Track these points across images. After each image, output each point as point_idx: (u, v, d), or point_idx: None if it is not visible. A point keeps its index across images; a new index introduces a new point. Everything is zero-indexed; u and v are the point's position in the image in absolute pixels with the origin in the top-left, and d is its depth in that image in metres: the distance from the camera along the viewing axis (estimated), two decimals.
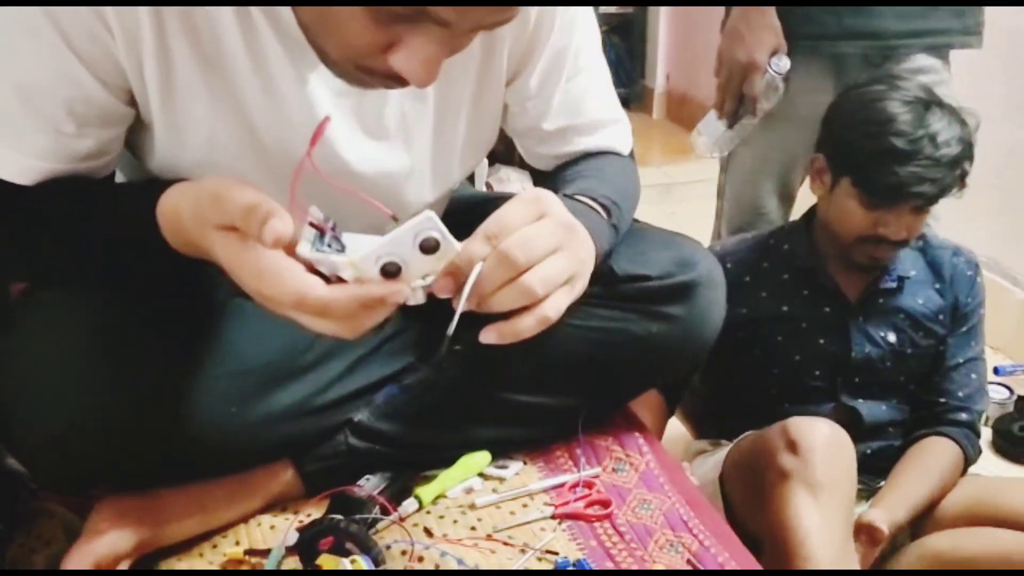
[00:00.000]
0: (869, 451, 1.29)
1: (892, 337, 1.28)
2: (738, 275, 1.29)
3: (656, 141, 3.38)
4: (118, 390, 0.70)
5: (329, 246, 0.61)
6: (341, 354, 0.86)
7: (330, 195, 0.63)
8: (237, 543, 0.82)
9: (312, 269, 0.60)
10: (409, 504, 0.85)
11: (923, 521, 1.23)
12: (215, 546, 0.82)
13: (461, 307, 0.63)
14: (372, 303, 0.59)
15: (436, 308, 0.96)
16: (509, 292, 0.64)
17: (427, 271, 0.62)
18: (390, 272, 0.60)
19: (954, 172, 1.18)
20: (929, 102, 1.19)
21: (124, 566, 0.76)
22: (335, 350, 0.85)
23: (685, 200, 2.74)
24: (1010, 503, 1.18)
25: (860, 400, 1.29)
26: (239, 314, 0.79)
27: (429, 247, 0.60)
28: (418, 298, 0.64)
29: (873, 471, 1.27)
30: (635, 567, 0.79)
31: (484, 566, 0.78)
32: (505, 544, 0.82)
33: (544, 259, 0.65)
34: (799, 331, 1.29)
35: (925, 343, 1.30)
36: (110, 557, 0.74)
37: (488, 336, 0.68)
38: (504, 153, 2.80)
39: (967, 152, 1.19)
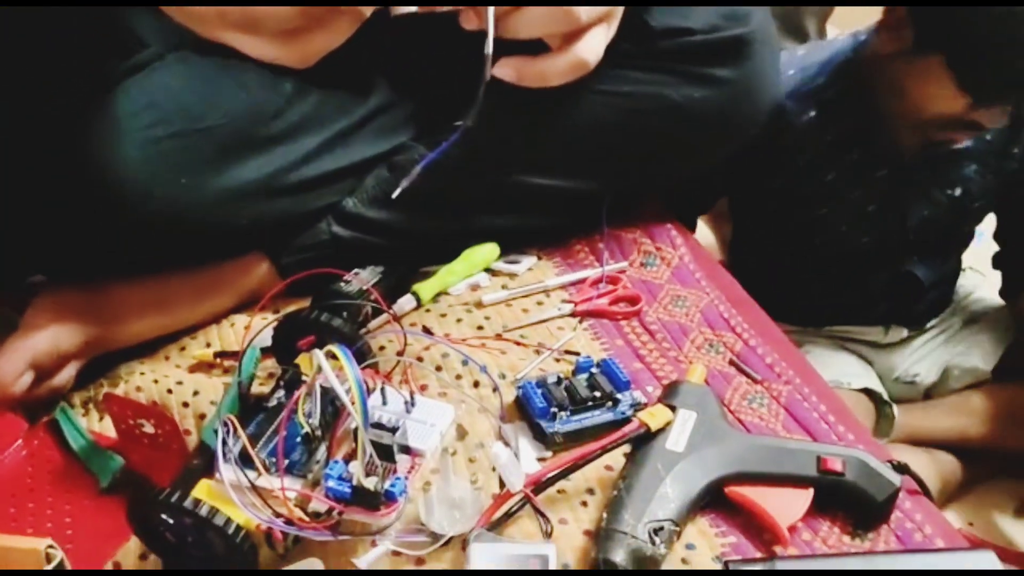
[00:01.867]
0: (923, 306, 1.15)
1: (958, 191, 1.04)
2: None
3: None
4: (17, 146, 0.56)
5: None
6: (318, 126, 0.71)
7: None
8: (208, 345, 0.72)
9: None
10: (405, 301, 0.74)
11: None
12: (183, 348, 0.72)
13: (491, 28, 0.48)
14: (315, 10, 0.44)
15: (433, 80, 0.82)
16: (542, 10, 0.49)
17: None
18: None
19: None
20: None
21: (72, 367, 0.65)
22: (310, 120, 0.71)
23: None
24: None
25: (915, 258, 1.09)
26: (189, 68, 0.64)
27: None
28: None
29: (925, 318, 1.17)
30: (668, 367, 0.68)
31: (493, 367, 0.67)
32: (517, 344, 0.70)
33: None
34: (847, 201, 1.04)
35: (995, 182, 1.05)
36: (51, 354, 0.63)
37: (504, 71, 0.53)
38: None
39: None
